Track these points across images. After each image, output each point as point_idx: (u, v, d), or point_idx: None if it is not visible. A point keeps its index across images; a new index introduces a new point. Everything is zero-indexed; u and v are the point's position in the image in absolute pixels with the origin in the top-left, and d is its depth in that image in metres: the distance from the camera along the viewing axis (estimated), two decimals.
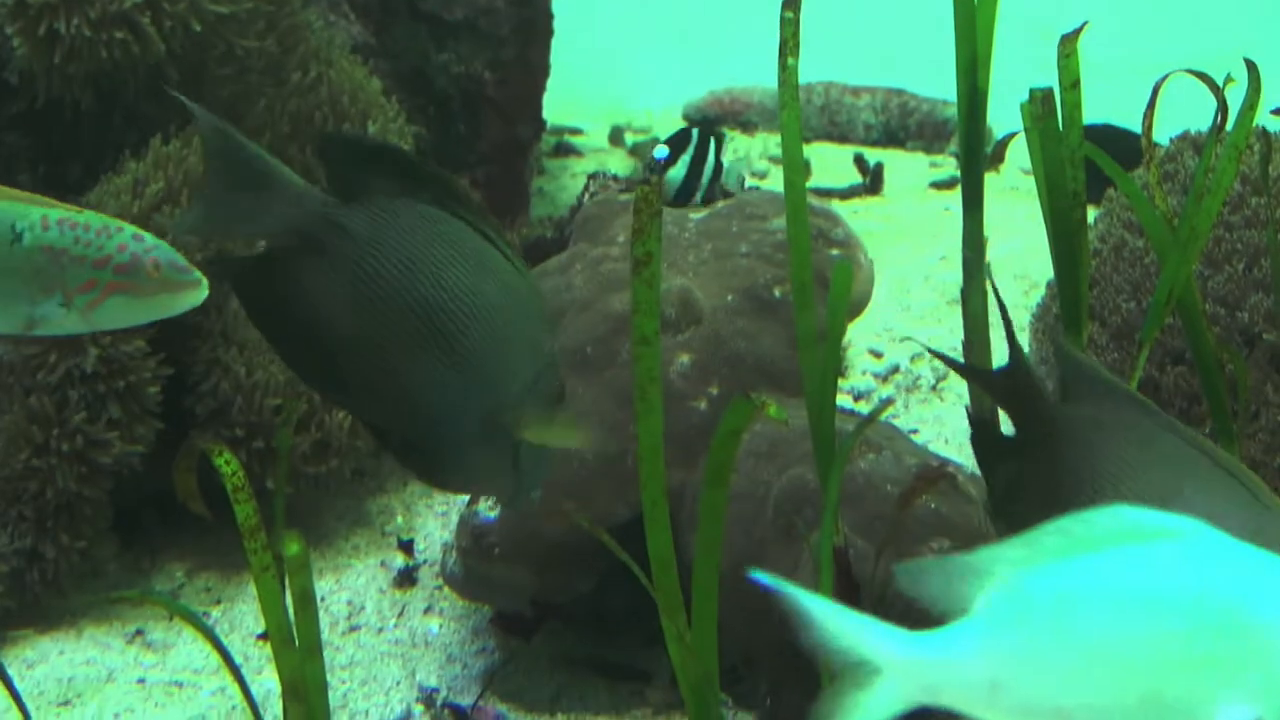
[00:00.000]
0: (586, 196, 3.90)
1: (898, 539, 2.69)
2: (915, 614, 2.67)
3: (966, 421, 3.10)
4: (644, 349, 1.86)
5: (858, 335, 4.20)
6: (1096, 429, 2.09)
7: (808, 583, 2.02)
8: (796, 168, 2.19)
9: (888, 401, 2.79)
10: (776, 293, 3.05)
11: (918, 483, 2.16)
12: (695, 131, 3.03)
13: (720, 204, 3.37)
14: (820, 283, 3.00)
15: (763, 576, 1.48)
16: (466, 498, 3.08)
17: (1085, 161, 2.77)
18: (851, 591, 2.59)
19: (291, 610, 2.02)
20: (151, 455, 3.18)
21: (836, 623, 1.55)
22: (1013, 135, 2.89)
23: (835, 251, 3.17)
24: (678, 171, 3.02)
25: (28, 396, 3.09)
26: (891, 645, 1.53)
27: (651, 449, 1.87)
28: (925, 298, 4.44)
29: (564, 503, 2.83)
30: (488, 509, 2.91)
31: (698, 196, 3.04)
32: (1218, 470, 1.93)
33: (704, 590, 1.83)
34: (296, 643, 2.02)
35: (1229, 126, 2.82)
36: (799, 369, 2.43)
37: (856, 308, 3.14)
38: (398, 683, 3.03)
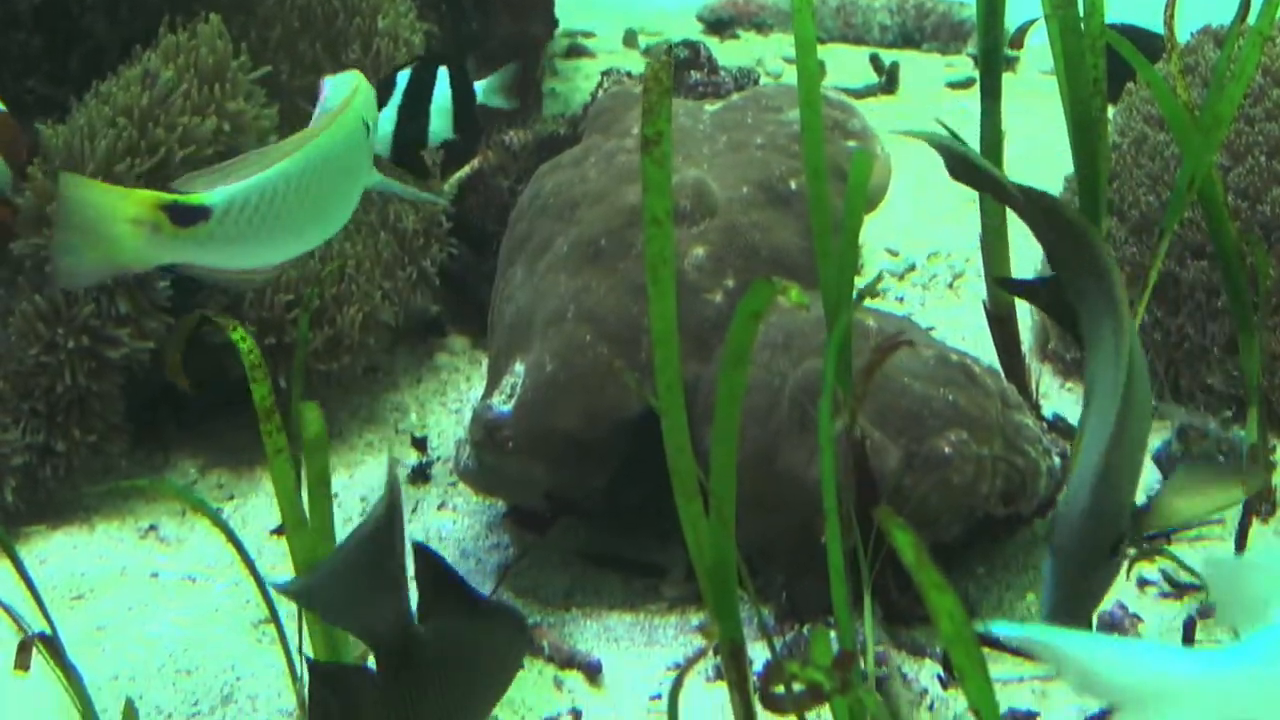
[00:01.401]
0: (601, 92, 3.85)
1: (915, 430, 2.67)
2: (931, 508, 2.66)
3: (984, 318, 3.09)
4: (655, 230, 1.83)
5: (874, 233, 4.17)
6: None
7: (820, 473, 2.00)
8: (809, 48, 2.15)
9: (877, 279, 2.75)
10: (792, 185, 3.02)
11: (877, 354, 2.13)
12: (404, 74, 2.78)
13: (735, 96, 3.33)
14: (836, 175, 2.97)
15: (1003, 628, 1.34)
16: (479, 394, 3.06)
17: (1105, 57, 2.74)
18: (867, 480, 2.58)
19: (307, 493, 2.01)
20: (161, 350, 3.16)
21: (1107, 656, 1.29)
22: (1033, 21, 2.86)
23: (851, 143, 3.13)
24: (385, 125, 2.80)
25: (35, 293, 3.07)
26: (1182, 666, 1.26)
27: (665, 332, 1.85)
28: (942, 197, 4.39)
29: (587, 384, 2.81)
30: (502, 402, 2.89)
31: (434, 140, 2.82)
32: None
33: (721, 473, 1.80)
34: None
35: (1251, 19, 2.78)
36: (815, 262, 2.40)
37: (874, 200, 3.10)
38: (411, 579, 3.01)
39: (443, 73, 2.78)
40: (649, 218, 1.83)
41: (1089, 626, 1.73)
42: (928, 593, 1.61)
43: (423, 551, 1.92)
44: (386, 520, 1.89)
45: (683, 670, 1.56)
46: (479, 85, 2.87)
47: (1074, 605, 1.75)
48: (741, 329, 1.80)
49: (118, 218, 1.94)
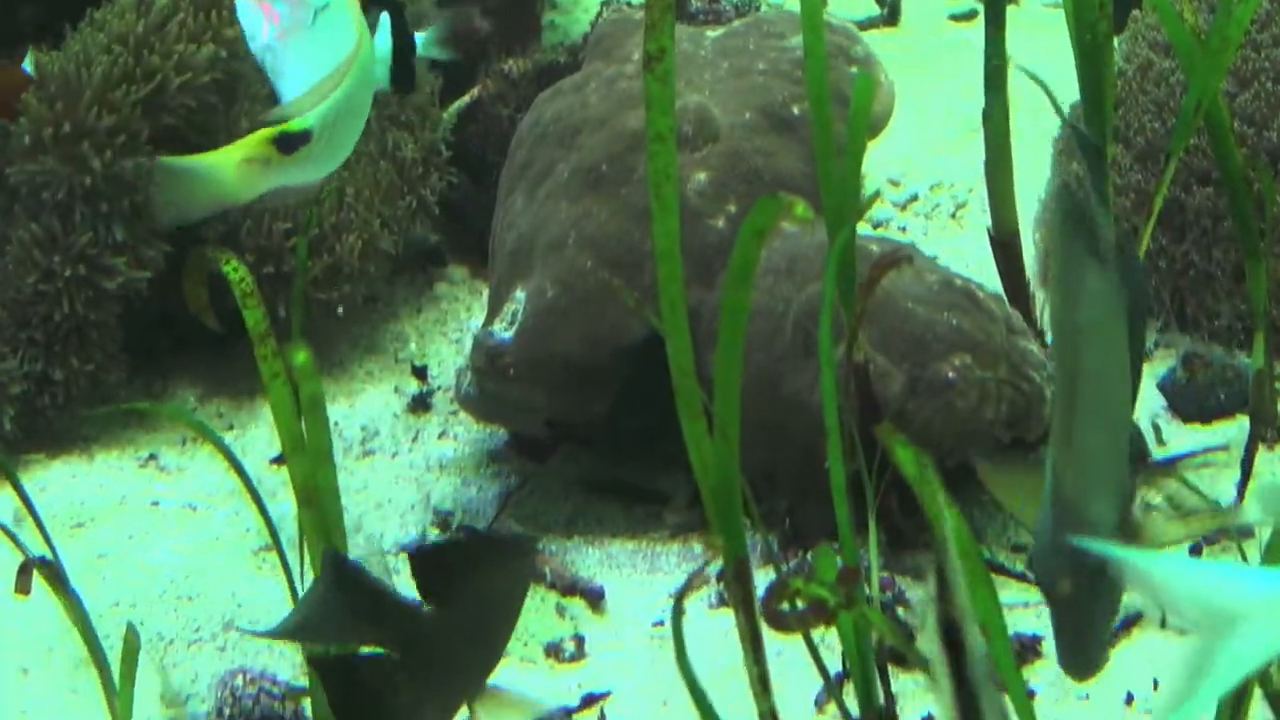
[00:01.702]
0: (601, 19, 3.82)
1: (919, 355, 2.66)
2: (934, 434, 2.64)
3: (988, 247, 3.07)
4: (659, 146, 1.80)
5: (876, 163, 4.14)
6: None
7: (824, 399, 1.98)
8: None
9: (874, 196, 2.73)
10: (795, 110, 2.99)
11: (876, 270, 2.11)
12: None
13: (737, 22, 3.30)
14: (839, 100, 2.94)
15: (1090, 543, 1.33)
16: (480, 323, 3.04)
17: None
18: (871, 405, 2.56)
19: (302, 419, 1.99)
20: (161, 280, 3.15)
21: (1182, 574, 1.28)
22: None
23: (854, 69, 3.10)
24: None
25: (32, 220, 3.05)
26: (1253, 585, 1.25)
27: (668, 250, 1.83)
28: (945, 126, 4.36)
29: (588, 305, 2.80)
30: (503, 329, 2.88)
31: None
32: None
33: (725, 390, 1.78)
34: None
35: None
36: (817, 188, 2.38)
37: (877, 125, 3.07)
38: (412, 506, 3.01)
39: (384, 19, 2.77)
40: (652, 134, 1.81)
41: (1103, 657, 1.59)
42: (931, 508, 1.60)
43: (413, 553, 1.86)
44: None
45: (685, 585, 1.55)
46: (419, 36, 2.85)
47: (1080, 642, 1.60)
48: (746, 246, 1.78)
49: (229, 164, 2.20)
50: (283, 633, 1.91)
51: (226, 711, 2.42)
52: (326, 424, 1.97)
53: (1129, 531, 1.50)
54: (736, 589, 1.83)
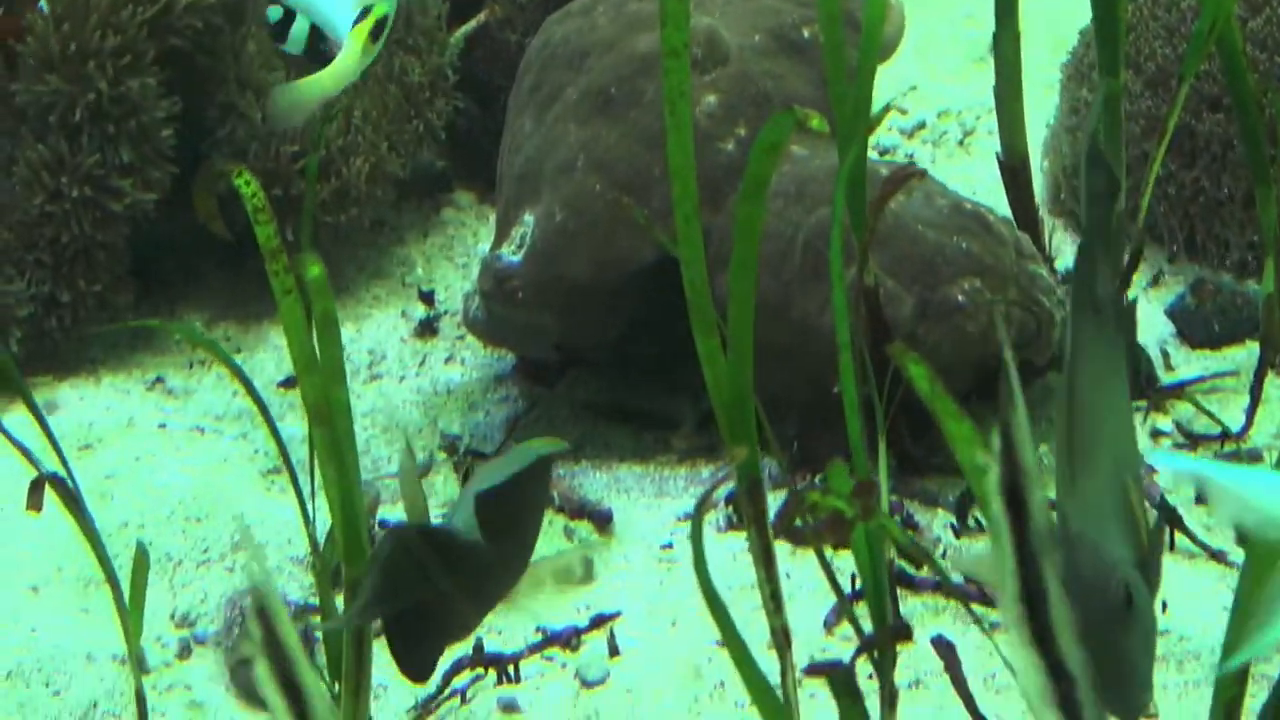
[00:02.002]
0: None
1: (929, 278, 2.65)
2: (944, 357, 2.64)
3: (996, 174, 3.06)
4: (673, 62, 1.79)
5: (883, 92, 4.12)
6: None
7: (834, 322, 1.97)
8: None
9: (886, 109, 2.71)
10: (805, 33, 2.98)
11: (889, 185, 2.09)
12: None
13: None
14: (850, 24, 2.92)
15: (1167, 459, 1.32)
16: (487, 248, 3.04)
17: None
18: (881, 329, 2.56)
19: (315, 334, 1.98)
20: (169, 203, 3.14)
21: (1260, 485, 1.29)
22: None
23: None
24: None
25: (39, 142, 3.04)
26: None
27: (682, 166, 1.82)
28: (951, 56, 4.35)
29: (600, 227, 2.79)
30: (511, 252, 2.87)
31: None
32: None
33: (740, 304, 1.78)
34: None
35: None
36: (828, 111, 2.36)
37: (887, 48, 3.06)
38: (419, 430, 3.01)
39: None
40: (666, 50, 1.80)
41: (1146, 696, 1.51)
42: (945, 422, 1.60)
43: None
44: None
45: (709, 490, 1.55)
46: None
47: (1120, 680, 1.52)
48: (760, 161, 1.77)
49: (344, 73, 2.56)
50: (359, 618, 1.91)
51: (235, 630, 2.42)
52: (339, 340, 1.97)
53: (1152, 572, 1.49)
54: (749, 506, 1.83)
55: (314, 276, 1.93)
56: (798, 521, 1.65)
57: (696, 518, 1.49)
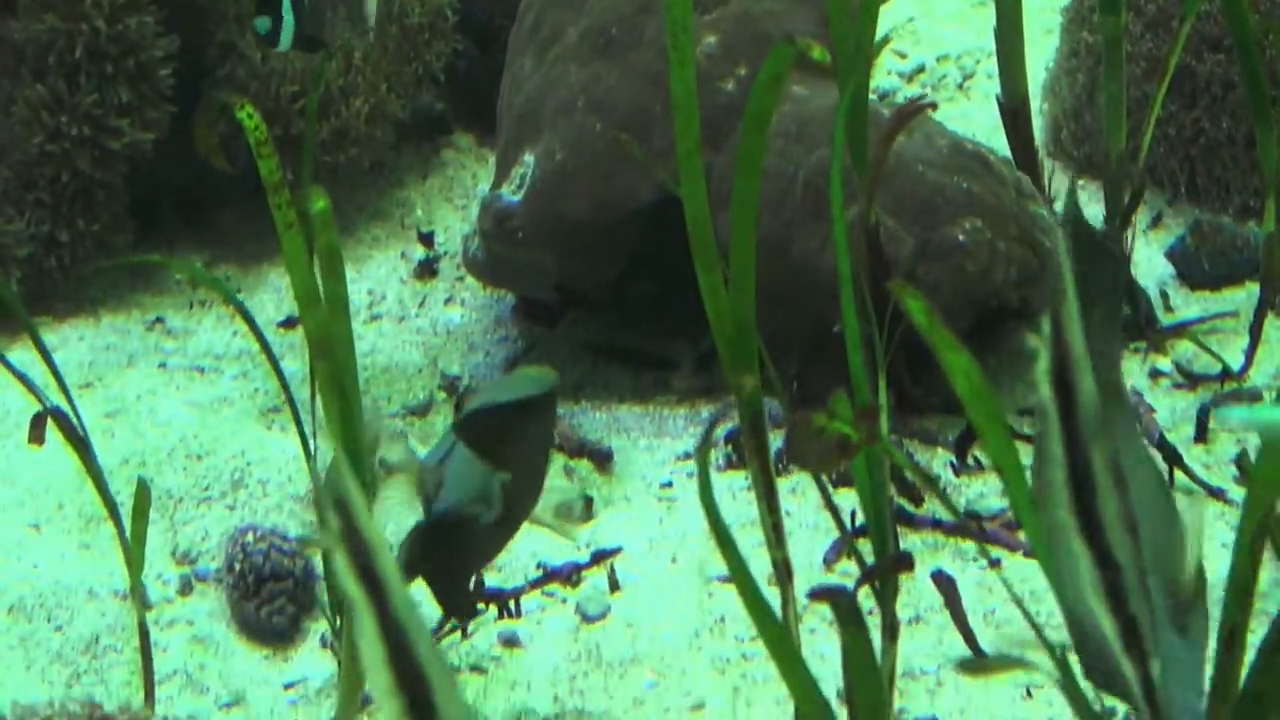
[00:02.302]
0: None
1: (929, 218, 2.65)
2: (945, 296, 2.64)
3: (995, 118, 3.05)
4: None
5: (883, 33, 4.11)
6: None
7: (834, 260, 1.97)
8: None
9: (886, 40, 2.70)
10: None
11: (898, 118, 2.09)
12: None
13: None
14: None
15: (1236, 413, 1.30)
16: (486, 189, 3.03)
17: None
18: (882, 268, 2.56)
19: (319, 268, 1.98)
20: (167, 144, 3.14)
21: None
22: None
23: None
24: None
25: (38, 81, 3.03)
26: None
27: (685, 100, 1.82)
28: (948, 0, 4.34)
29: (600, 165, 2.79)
30: (511, 192, 2.87)
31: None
32: None
33: (741, 238, 1.78)
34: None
35: None
36: (829, 49, 2.36)
37: None
38: (420, 370, 3.01)
39: None
40: None
41: None
42: (943, 354, 1.59)
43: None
44: None
45: (713, 420, 1.55)
46: None
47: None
48: (762, 94, 1.77)
49: None
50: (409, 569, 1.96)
51: (237, 567, 2.43)
52: (343, 274, 1.97)
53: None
54: (751, 438, 1.84)
55: (319, 210, 1.93)
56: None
57: (703, 443, 1.50)
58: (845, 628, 1.47)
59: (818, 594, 1.43)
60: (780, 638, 1.52)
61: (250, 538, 2.46)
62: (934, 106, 2.30)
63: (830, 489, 2.47)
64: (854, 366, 1.81)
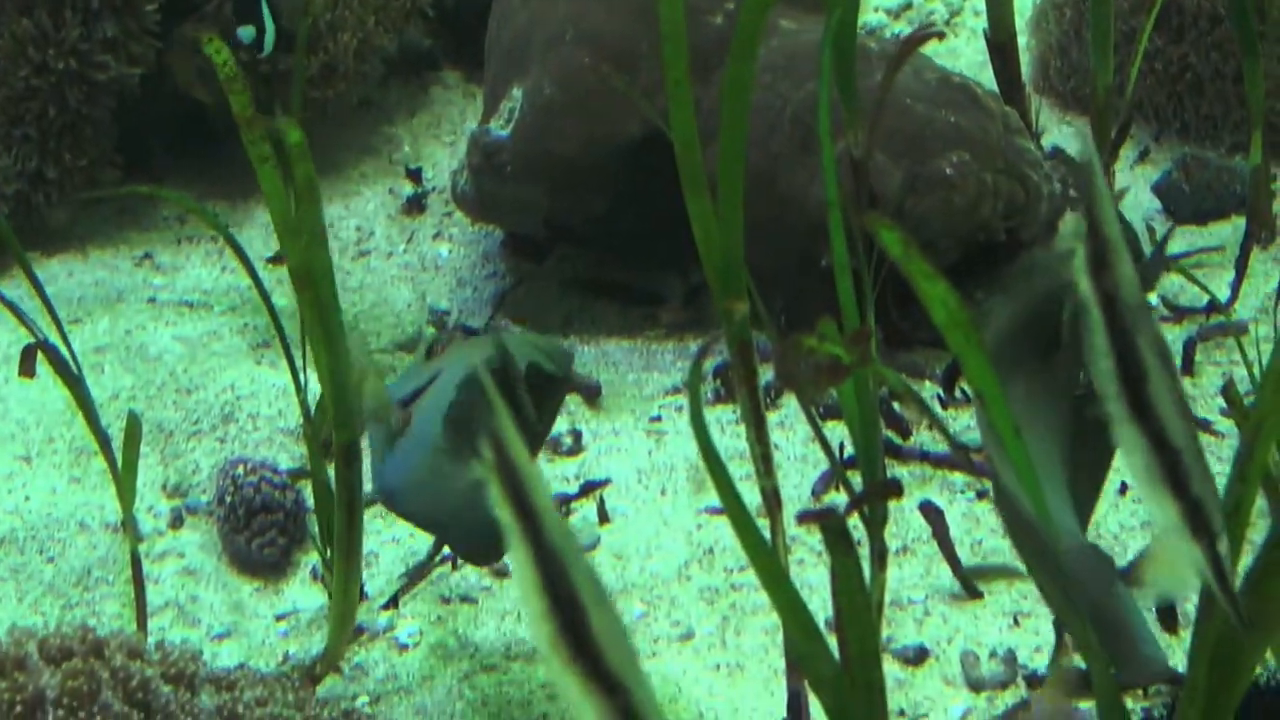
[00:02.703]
0: None
1: (917, 152, 2.66)
2: (933, 229, 2.65)
3: (983, 55, 3.05)
4: None
5: None
6: None
7: (825, 193, 1.97)
8: None
9: None
10: None
11: (907, 44, 2.08)
12: None
13: None
14: None
15: None
16: (475, 126, 3.03)
17: None
18: (871, 202, 2.56)
19: (295, 200, 1.98)
20: (154, 79, 3.13)
21: None
22: None
23: None
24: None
25: (23, 16, 3.02)
26: None
27: (673, 29, 1.82)
28: None
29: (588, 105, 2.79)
30: (500, 127, 2.87)
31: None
32: None
33: (729, 166, 1.78)
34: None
35: None
36: None
37: None
38: (408, 305, 3.02)
39: None
40: None
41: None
42: (919, 283, 1.59)
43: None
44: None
45: (705, 346, 1.55)
46: None
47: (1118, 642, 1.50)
48: (750, 17, 1.77)
49: None
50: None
51: (228, 499, 2.44)
52: (319, 204, 1.97)
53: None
54: (740, 367, 1.84)
55: (294, 142, 1.93)
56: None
57: (694, 368, 1.50)
58: (834, 551, 1.48)
59: (807, 516, 1.44)
60: (767, 560, 1.53)
61: (241, 470, 2.46)
62: (940, 36, 2.29)
63: (819, 421, 2.49)
64: (843, 292, 1.82)
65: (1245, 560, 1.53)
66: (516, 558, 1.04)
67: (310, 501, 2.41)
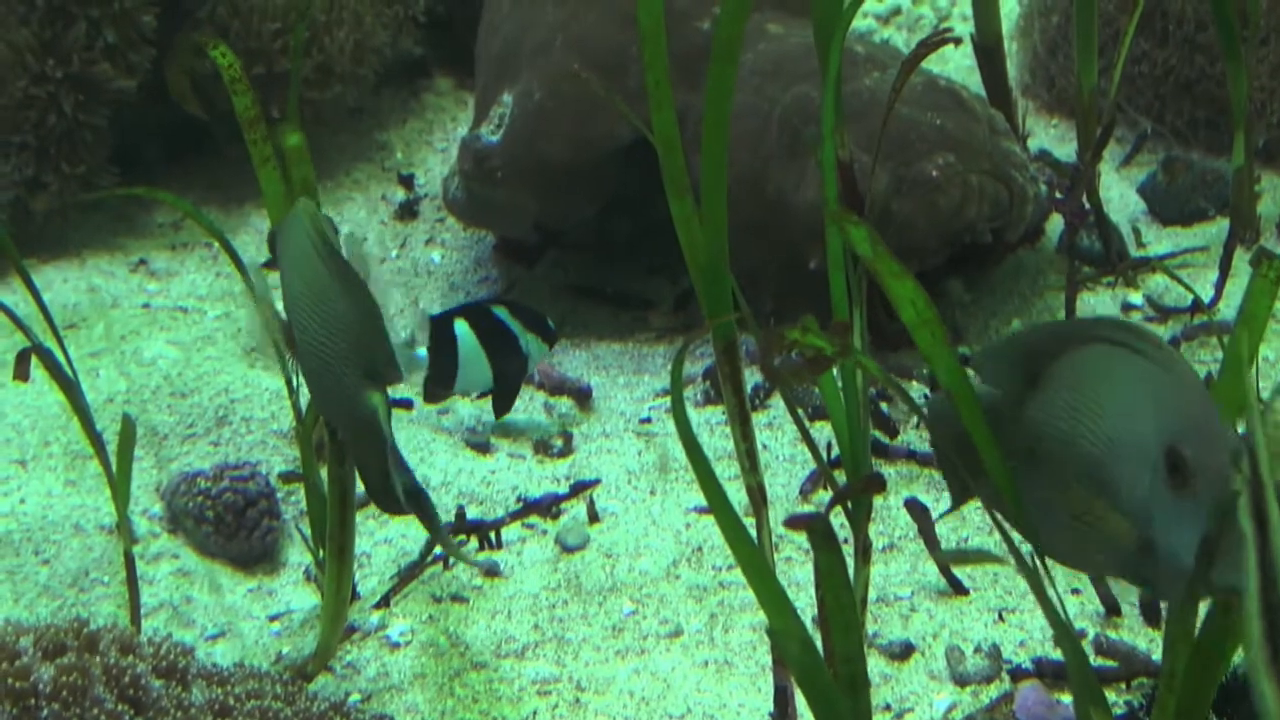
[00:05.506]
0: None
1: (903, 154, 2.68)
2: (919, 231, 2.67)
3: (970, 60, 3.07)
4: None
5: None
6: None
7: (813, 196, 2.00)
8: None
9: None
10: None
11: (922, 47, 2.10)
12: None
13: None
14: None
15: None
16: (465, 131, 3.06)
17: None
18: (856, 203, 2.59)
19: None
20: (150, 87, 3.15)
21: None
22: None
23: None
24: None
25: (22, 25, 3.05)
26: None
27: (653, 29, 1.83)
28: None
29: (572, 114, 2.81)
30: (490, 132, 2.89)
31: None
32: None
33: (712, 165, 1.80)
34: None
35: None
36: None
37: None
38: (401, 310, 3.04)
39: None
40: None
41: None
42: (886, 282, 1.62)
43: None
44: None
45: (686, 342, 1.57)
46: None
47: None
48: (730, 19, 1.78)
49: None
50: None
51: (210, 515, 2.45)
52: (318, 205, 1.99)
53: None
54: (725, 366, 1.86)
55: (293, 145, 1.96)
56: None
57: (676, 361, 1.52)
58: (819, 550, 1.51)
59: (793, 522, 1.46)
60: (748, 548, 1.56)
61: (203, 483, 2.46)
62: (958, 42, 2.31)
63: (806, 421, 2.51)
64: (835, 287, 1.84)
65: None
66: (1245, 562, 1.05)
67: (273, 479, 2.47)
